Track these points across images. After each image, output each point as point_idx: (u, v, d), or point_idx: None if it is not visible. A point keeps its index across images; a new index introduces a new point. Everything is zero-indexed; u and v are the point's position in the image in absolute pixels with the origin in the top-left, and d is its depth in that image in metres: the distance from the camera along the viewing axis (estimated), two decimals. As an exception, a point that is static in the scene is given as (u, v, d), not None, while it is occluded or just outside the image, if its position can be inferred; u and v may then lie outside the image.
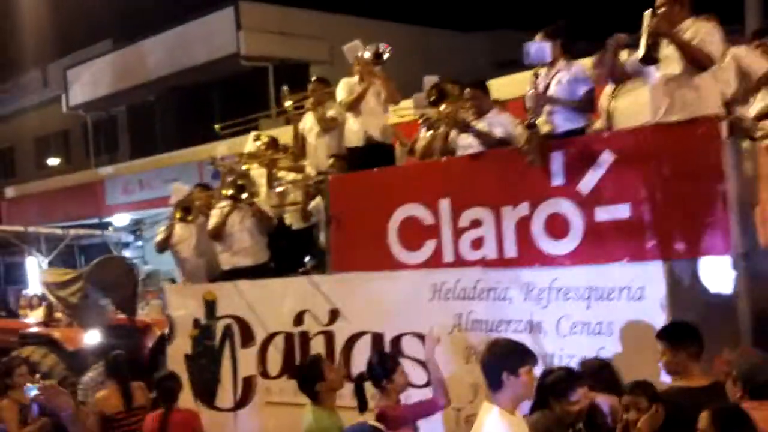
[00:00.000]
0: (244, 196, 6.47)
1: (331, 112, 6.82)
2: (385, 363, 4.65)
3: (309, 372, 4.84)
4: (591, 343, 4.71)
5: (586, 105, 5.14)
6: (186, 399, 6.64)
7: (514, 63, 20.54)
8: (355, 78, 6.66)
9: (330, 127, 6.77)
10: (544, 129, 4.98)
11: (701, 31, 4.49)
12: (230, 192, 6.52)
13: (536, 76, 5.17)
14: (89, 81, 23.71)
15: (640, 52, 4.47)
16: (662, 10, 4.55)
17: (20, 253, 14.17)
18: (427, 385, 5.28)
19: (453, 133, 5.70)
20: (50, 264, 12.66)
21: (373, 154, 6.37)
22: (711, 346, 4.31)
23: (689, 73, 4.49)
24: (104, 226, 17.15)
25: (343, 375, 5.18)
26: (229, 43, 19.25)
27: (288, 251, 7.12)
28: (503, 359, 3.58)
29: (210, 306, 6.56)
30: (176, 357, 6.81)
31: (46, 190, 21.19)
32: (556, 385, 3.96)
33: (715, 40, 4.48)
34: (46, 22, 23.97)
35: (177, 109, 21.81)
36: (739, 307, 4.34)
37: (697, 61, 4.48)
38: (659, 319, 4.47)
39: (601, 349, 4.68)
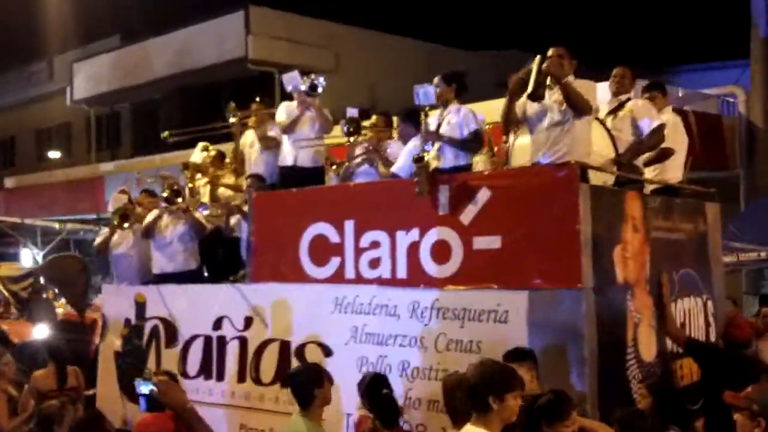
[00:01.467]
0: (179, 200, 7.39)
1: (271, 132, 7.76)
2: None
3: (309, 375, 4.96)
4: (463, 359, 5.59)
5: (472, 144, 6.05)
6: (112, 392, 7.65)
7: None
8: (294, 103, 7.59)
9: (270, 145, 7.71)
10: (434, 163, 5.90)
11: (581, 87, 5.43)
12: (165, 195, 7.45)
13: (426, 115, 6.08)
14: (95, 76, 24.69)
15: (529, 89, 5.41)
16: (555, 58, 5.51)
17: (15, 244, 15.08)
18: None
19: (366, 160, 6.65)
20: (44, 257, 13.55)
21: (302, 175, 7.31)
22: (560, 368, 5.25)
23: (565, 121, 5.42)
24: (102, 221, 18.14)
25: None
26: (238, 47, 20.20)
27: (224, 259, 8.07)
28: (490, 384, 3.80)
29: (140, 307, 7.47)
30: (107, 353, 7.74)
31: (45, 182, 22.05)
32: (550, 409, 4.22)
33: (590, 96, 5.42)
34: (54, 14, 25.09)
35: (182, 109, 22.47)
36: (586, 334, 5.24)
37: (578, 108, 5.40)
38: (521, 340, 5.37)
39: (470, 365, 5.57)
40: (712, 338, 6.89)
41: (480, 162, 6.75)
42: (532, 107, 5.56)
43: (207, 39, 20.88)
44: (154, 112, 24.29)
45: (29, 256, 14.86)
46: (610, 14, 30.80)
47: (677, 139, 6.73)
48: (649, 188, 6.59)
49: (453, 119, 6.03)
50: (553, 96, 5.54)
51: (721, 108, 14.09)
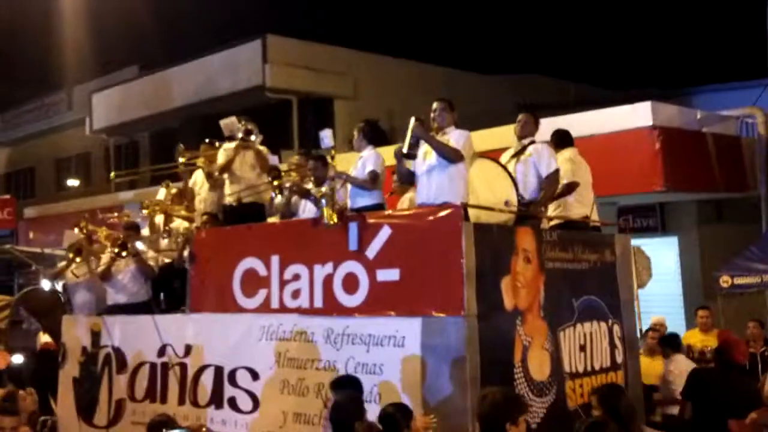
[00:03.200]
0: (124, 254, 8.60)
1: (221, 173, 8.95)
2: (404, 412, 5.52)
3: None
4: (369, 380, 6.68)
5: (367, 185, 7.19)
6: (71, 416, 8.82)
7: (535, 106, 22.68)
8: (233, 145, 8.78)
9: (216, 185, 8.91)
10: (347, 203, 7.06)
11: (455, 136, 6.58)
12: (115, 250, 8.63)
13: (332, 158, 7.25)
14: (114, 106, 25.84)
15: (404, 149, 6.57)
16: (434, 115, 6.69)
17: (36, 274, 16.17)
18: (253, 410, 7.38)
19: (294, 198, 7.83)
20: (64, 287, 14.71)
21: (243, 212, 8.49)
22: (447, 387, 6.34)
23: (443, 167, 6.57)
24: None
25: None
26: (255, 75, 21.16)
27: (179, 290, 9.23)
28: (504, 411, 4.32)
29: (95, 336, 8.65)
30: (66, 380, 8.91)
31: (64, 211, 23.05)
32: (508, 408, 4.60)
33: (463, 143, 6.57)
34: (73, 45, 26.69)
35: (200, 138, 23.63)
36: (468, 356, 6.32)
37: (448, 158, 6.55)
38: (415, 363, 6.47)
39: (374, 386, 6.68)
40: (619, 360, 7.96)
41: (407, 199, 7.93)
42: (418, 158, 6.72)
43: (224, 68, 21.94)
44: (172, 141, 25.21)
45: (48, 286, 16.00)
46: (628, 37, 32.06)
47: (580, 177, 7.82)
48: (551, 223, 7.73)
49: (361, 163, 7.20)
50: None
51: (739, 129, 14.51)
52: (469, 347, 6.30)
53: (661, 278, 13.86)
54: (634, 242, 13.60)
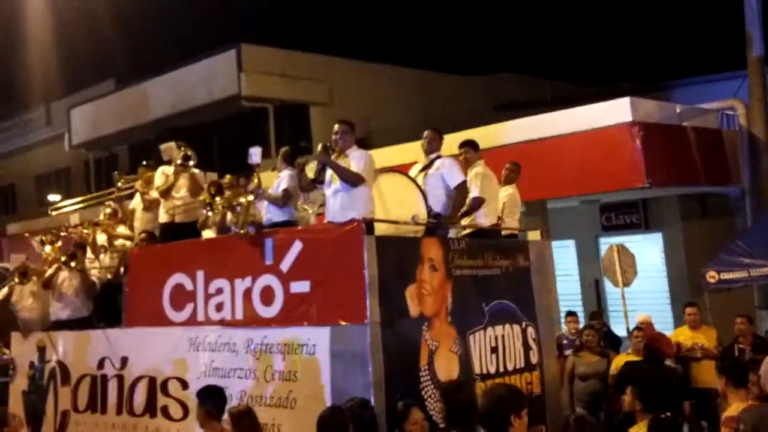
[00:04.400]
0: (73, 264, 9.16)
1: (154, 194, 9.51)
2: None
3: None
4: (285, 387, 7.22)
5: (279, 201, 7.76)
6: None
7: (511, 105, 22.56)
8: (171, 168, 9.34)
9: (151, 206, 9.47)
10: (262, 217, 7.61)
11: (358, 159, 7.14)
12: (63, 258, 9.21)
13: (257, 178, 7.81)
14: (92, 120, 26.36)
15: (312, 175, 7.12)
16: (336, 137, 7.23)
17: None
18: (184, 418, 7.91)
19: (228, 215, 8.38)
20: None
21: (178, 231, 9.03)
22: (355, 390, 6.85)
23: (346, 189, 7.12)
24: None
25: None
26: (230, 85, 21.52)
27: (118, 306, 9.75)
28: (508, 404, 4.55)
29: (41, 351, 9.18)
30: (16, 394, 9.45)
31: (46, 227, 23.69)
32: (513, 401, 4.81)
33: (367, 166, 7.13)
34: (51, 61, 27.27)
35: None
36: (372, 361, 6.84)
37: (349, 182, 7.11)
38: (326, 369, 6.99)
39: (291, 391, 7.21)
40: (534, 360, 8.49)
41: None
42: (326, 180, 7.28)
43: (200, 78, 22.31)
44: (151, 153, 25.67)
45: None
46: (603, 31, 32.39)
47: (487, 189, 8.38)
48: (463, 232, 8.28)
49: (278, 182, 7.78)
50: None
51: (720, 122, 14.51)
52: (373, 353, 6.82)
53: (646, 276, 14.34)
54: (618, 240, 14.37)
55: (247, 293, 7.61)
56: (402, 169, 9.13)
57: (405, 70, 24.48)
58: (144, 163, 10.10)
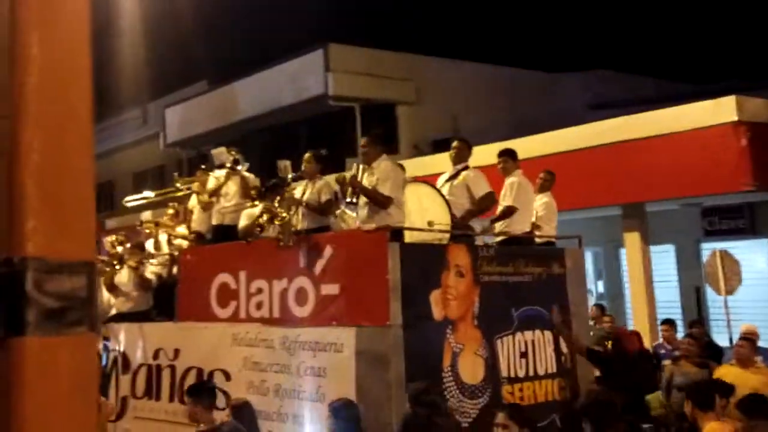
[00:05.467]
0: (131, 262, 9.96)
1: (211, 197, 10.17)
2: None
3: None
4: (314, 382, 7.75)
5: (326, 210, 8.24)
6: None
7: (608, 104, 22.26)
8: (223, 172, 9.98)
9: (208, 207, 10.15)
10: (300, 225, 8.13)
11: (382, 173, 7.57)
12: (114, 263, 10.01)
13: (289, 184, 8.32)
14: (185, 120, 27.48)
15: (348, 198, 7.61)
16: (363, 151, 7.69)
17: None
18: (227, 407, 8.50)
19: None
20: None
21: (226, 232, 9.67)
22: (376, 388, 7.32)
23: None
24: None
25: None
26: (318, 84, 21.96)
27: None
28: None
29: (106, 341, 10.00)
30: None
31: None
32: None
33: (391, 176, 7.55)
34: (147, 64, 28.74)
35: (265, 148, 24.04)
36: (393, 361, 7.28)
37: (379, 204, 7.56)
38: (351, 367, 7.48)
39: (320, 387, 7.72)
40: (567, 366, 8.75)
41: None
42: None
43: (288, 78, 22.88)
44: (240, 152, 26.63)
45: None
46: (708, 26, 31.29)
47: (521, 198, 8.68)
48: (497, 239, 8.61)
49: (312, 189, 8.27)
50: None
51: None
52: (394, 353, 7.26)
53: (751, 284, 13.90)
54: (721, 245, 14.00)
55: (284, 293, 8.16)
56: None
57: (494, 67, 24.44)
58: (203, 166, 10.76)
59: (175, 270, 9.91)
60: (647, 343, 11.80)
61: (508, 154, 9.08)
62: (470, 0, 33.73)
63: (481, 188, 8.30)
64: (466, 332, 7.85)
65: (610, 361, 9.22)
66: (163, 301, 10.16)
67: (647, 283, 13.94)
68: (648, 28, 32.41)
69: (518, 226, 8.72)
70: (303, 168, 8.43)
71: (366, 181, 7.62)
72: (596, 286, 20.78)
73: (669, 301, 15.82)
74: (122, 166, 33.43)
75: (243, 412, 6.85)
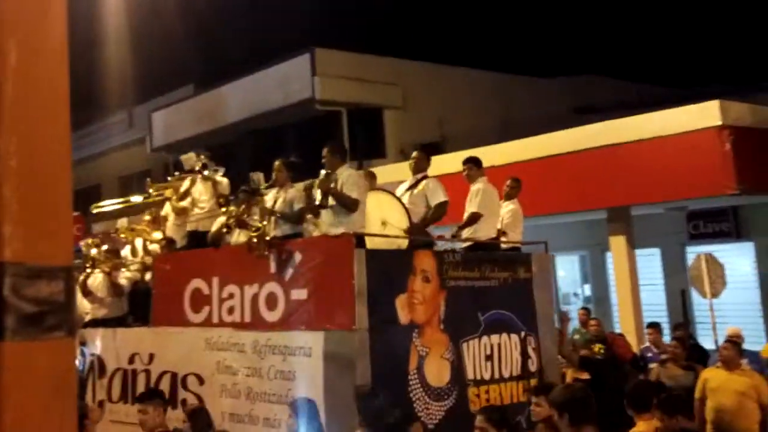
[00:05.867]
0: (105, 267, 10.18)
1: (183, 203, 10.40)
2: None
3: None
4: (284, 385, 7.97)
5: (298, 218, 8.48)
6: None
7: (593, 109, 22.40)
8: (193, 178, 10.22)
9: (180, 213, 10.38)
10: (273, 232, 8.36)
11: (348, 179, 7.82)
12: (86, 265, 10.23)
13: (261, 195, 8.56)
14: (171, 124, 27.50)
15: (318, 201, 7.84)
16: (324, 161, 7.94)
17: None
18: (200, 411, 8.72)
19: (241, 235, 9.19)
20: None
21: (201, 238, 9.89)
22: (343, 390, 7.54)
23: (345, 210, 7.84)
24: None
25: None
26: (305, 89, 21.99)
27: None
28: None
29: (83, 347, 10.20)
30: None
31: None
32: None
33: (357, 184, 7.81)
34: (132, 67, 28.86)
35: (253, 152, 24.27)
36: (359, 365, 7.51)
37: (346, 207, 7.80)
38: (320, 370, 7.71)
39: (289, 390, 7.94)
40: (532, 369, 9.01)
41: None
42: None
43: (275, 82, 22.96)
44: (227, 156, 26.18)
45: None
46: (691, 31, 31.45)
47: (486, 204, 8.94)
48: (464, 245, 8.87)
49: (285, 198, 8.52)
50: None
51: None
52: (360, 356, 7.50)
53: (736, 287, 14.12)
54: (706, 249, 14.20)
55: (255, 299, 8.40)
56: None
57: (480, 72, 24.64)
58: (176, 172, 10.98)
59: (148, 276, 10.12)
60: (634, 347, 11.99)
61: (472, 162, 9.35)
62: (457, 5, 33.94)
63: (437, 197, 8.60)
64: (432, 336, 8.09)
65: (602, 367, 9.34)
66: (138, 306, 10.38)
67: (633, 287, 14.13)
68: (633, 34, 32.68)
69: (484, 232, 8.97)
70: (274, 176, 8.66)
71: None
72: (583, 290, 21.02)
73: (655, 304, 16.05)
74: (108, 170, 33.57)
75: (198, 418, 7.07)
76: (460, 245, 9.09)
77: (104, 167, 33.64)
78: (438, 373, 8.10)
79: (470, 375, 8.40)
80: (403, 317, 7.88)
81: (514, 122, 22.11)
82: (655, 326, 11.70)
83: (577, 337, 12.69)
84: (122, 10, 26.25)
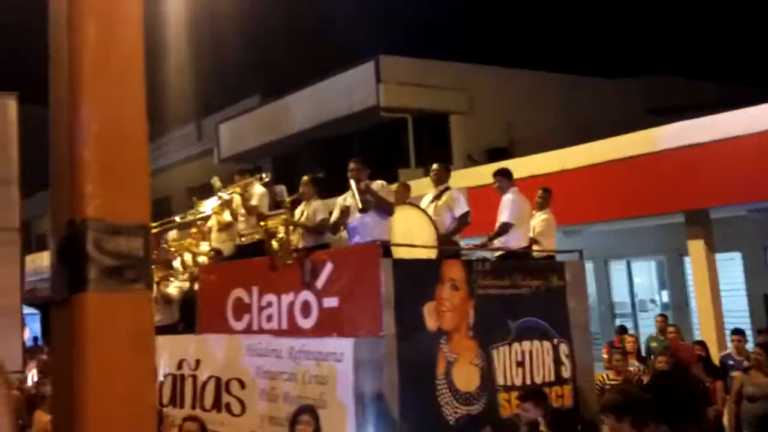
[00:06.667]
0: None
1: (226, 218, 10.97)
2: None
3: None
4: (318, 389, 8.39)
5: (322, 229, 8.92)
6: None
7: (668, 109, 22.38)
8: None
9: (225, 227, 10.94)
10: (300, 244, 8.83)
11: (383, 188, 8.23)
12: None
13: (285, 207, 9.04)
14: (238, 134, 28.34)
15: (359, 205, 8.27)
16: (355, 174, 8.36)
17: None
18: (242, 414, 9.25)
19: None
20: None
21: (244, 250, 10.43)
22: (371, 398, 7.94)
23: (372, 217, 8.23)
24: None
25: None
26: (369, 96, 22.38)
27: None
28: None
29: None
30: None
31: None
32: None
33: (387, 195, 8.21)
34: (199, 80, 30.09)
35: (318, 161, 24.55)
36: (388, 369, 7.89)
37: (385, 210, 8.21)
38: (350, 375, 8.11)
39: (323, 393, 8.37)
40: (566, 375, 9.25)
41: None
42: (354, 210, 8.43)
43: (340, 91, 23.26)
44: (292, 165, 26.58)
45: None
46: (759, 30, 30.98)
47: (516, 214, 9.24)
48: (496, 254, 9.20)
49: (310, 211, 8.97)
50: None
51: None
52: (388, 362, 7.89)
53: None
54: None
55: (291, 307, 8.86)
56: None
57: (549, 74, 24.61)
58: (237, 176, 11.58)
59: (197, 286, 10.70)
60: (714, 354, 11.78)
61: (502, 174, 9.67)
62: (523, 7, 33.96)
63: (461, 207, 8.97)
64: (460, 342, 8.43)
65: (664, 377, 9.53)
66: (187, 314, 10.97)
67: (713, 292, 13.91)
68: (706, 32, 32.07)
69: (515, 241, 9.27)
70: (301, 191, 9.14)
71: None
72: (660, 296, 20.99)
73: (736, 310, 15.79)
74: (177, 182, 34.66)
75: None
76: (492, 254, 9.40)
77: (173, 179, 34.64)
78: (467, 378, 8.42)
79: (500, 381, 8.70)
80: (431, 324, 8.23)
81: (586, 125, 22.00)
82: (740, 333, 11.53)
83: (654, 344, 12.69)
84: (188, 26, 27.29)
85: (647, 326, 18.43)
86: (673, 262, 18.80)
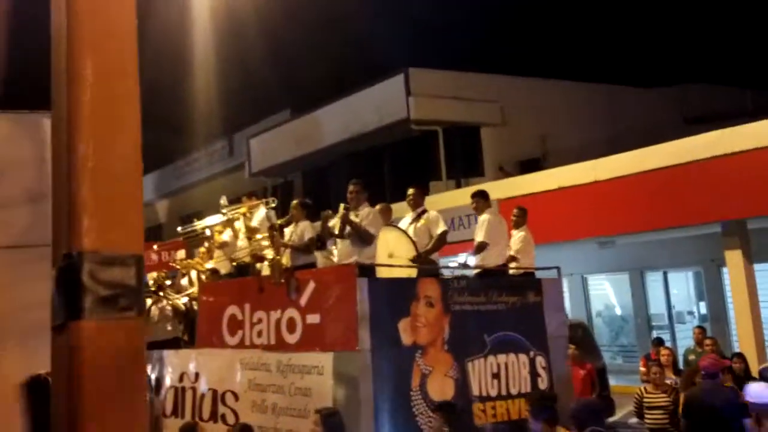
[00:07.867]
0: (160, 294, 11.64)
1: (225, 237, 11.77)
2: None
3: None
4: (303, 401, 9.12)
5: (306, 249, 9.65)
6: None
7: (705, 118, 22.63)
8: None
9: (221, 246, 11.74)
10: (289, 263, 9.57)
11: (369, 217, 8.94)
12: (152, 289, 11.72)
13: (279, 229, 9.77)
14: (269, 149, 28.85)
15: (336, 231, 9.00)
16: (351, 197, 9.07)
17: None
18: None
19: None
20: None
21: (241, 271, 11.21)
22: (351, 404, 8.65)
23: (357, 242, 8.97)
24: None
25: None
26: (400, 109, 22.62)
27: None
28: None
29: (143, 366, 11.64)
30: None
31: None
32: None
33: (374, 222, 8.92)
34: (231, 96, 30.90)
35: (349, 174, 24.97)
36: (362, 381, 8.58)
37: (364, 240, 8.92)
38: (329, 387, 8.83)
39: (306, 404, 9.10)
40: (542, 387, 9.86)
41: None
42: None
43: (370, 104, 23.63)
44: (323, 179, 27.81)
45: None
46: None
47: (492, 234, 9.89)
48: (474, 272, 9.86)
49: (298, 231, 9.72)
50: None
51: None
52: (363, 375, 8.58)
53: None
54: None
55: (278, 323, 9.60)
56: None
57: (582, 84, 24.85)
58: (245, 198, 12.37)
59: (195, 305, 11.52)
60: (753, 366, 11.80)
61: (479, 195, 10.33)
62: (556, 18, 34.21)
63: (439, 228, 9.61)
64: (435, 355, 9.09)
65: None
66: (189, 330, 11.78)
67: (752, 303, 13.99)
68: (744, 40, 32.05)
69: (492, 259, 9.91)
70: (291, 214, 9.89)
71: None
72: (698, 308, 21.04)
73: None
74: (210, 197, 35.51)
75: None
76: (470, 272, 10.06)
77: (206, 193, 35.51)
78: (441, 389, 9.06)
79: (475, 392, 9.34)
80: (406, 339, 8.91)
81: (621, 134, 22.42)
82: None
83: (692, 357, 12.68)
84: (218, 43, 28.19)
85: (685, 338, 18.57)
86: (711, 273, 18.85)
